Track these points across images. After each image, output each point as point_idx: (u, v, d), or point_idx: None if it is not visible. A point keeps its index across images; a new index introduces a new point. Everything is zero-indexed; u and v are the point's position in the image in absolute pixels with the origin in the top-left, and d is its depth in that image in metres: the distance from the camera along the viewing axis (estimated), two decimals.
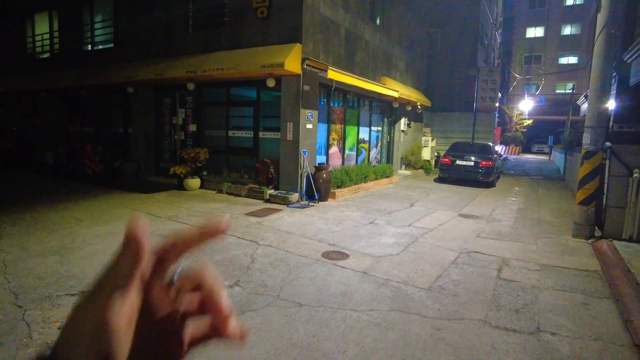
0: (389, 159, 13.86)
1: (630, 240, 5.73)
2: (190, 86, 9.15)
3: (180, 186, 9.31)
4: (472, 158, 11.90)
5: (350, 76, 8.92)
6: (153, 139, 11.03)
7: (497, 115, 25.87)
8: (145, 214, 6.92)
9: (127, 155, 11.37)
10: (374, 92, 10.92)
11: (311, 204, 8.04)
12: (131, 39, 10.80)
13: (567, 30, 36.62)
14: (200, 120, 10.16)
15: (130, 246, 0.29)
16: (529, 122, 33.36)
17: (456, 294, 3.98)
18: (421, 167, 14.87)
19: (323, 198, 8.31)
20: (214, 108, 10.01)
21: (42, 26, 13.70)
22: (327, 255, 4.98)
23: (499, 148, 26.68)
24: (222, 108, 9.75)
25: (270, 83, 7.97)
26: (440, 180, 12.91)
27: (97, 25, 11.88)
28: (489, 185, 12.05)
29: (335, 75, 8.15)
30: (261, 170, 8.52)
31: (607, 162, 5.97)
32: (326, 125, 9.72)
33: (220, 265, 4.45)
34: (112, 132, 12.30)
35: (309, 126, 8.40)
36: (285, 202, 7.92)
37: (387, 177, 11.67)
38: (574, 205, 6.36)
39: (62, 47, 12.93)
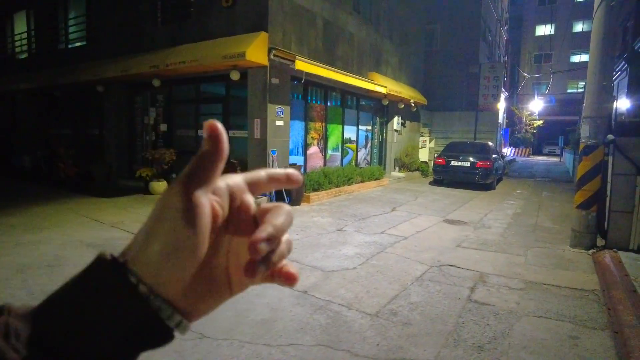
0: (381, 161, 12.99)
1: (638, 251, 4.80)
2: (156, 82, 8.51)
3: (147, 190, 8.65)
4: (469, 158, 10.98)
5: (325, 68, 8.12)
6: (125, 140, 10.44)
7: (504, 115, 24.72)
8: (91, 219, 6.26)
9: (101, 158, 10.80)
10: (360, 88, 10.12)
11: None
12: (103, 36, 10.25)
13: (579, 27, 35.19)
14: (171, 119, 9.52)
15: (211, 142, 0.28)
16: (540, 122, 32.00)
17: (408, 321, 3.16)
18: (417, 169, 13.95)
19: (295, 202, 7.54)
20: (184, 106, 9.37)
21: (20, 26, 13.33)
22: None
23: (507, 149, 25.51)
24: (191, 106, 9.11)
25: (234, 76, 7.26)
26: (435, 182, 12.01)
27: (70, 23, 11.41)
28: (488, 187, 11.11)
29: (305, 66, 7.38)
30: (227, 172, 7.77)
31: (610, 158, 5.06)
32: (303, 123, 8.95)
33: None
34: (88, 133, 11.77)
35: (280, 123, 7.66)
36: None
37: (376, 179, 10.82)
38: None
39: (39, 46, 12.51)
